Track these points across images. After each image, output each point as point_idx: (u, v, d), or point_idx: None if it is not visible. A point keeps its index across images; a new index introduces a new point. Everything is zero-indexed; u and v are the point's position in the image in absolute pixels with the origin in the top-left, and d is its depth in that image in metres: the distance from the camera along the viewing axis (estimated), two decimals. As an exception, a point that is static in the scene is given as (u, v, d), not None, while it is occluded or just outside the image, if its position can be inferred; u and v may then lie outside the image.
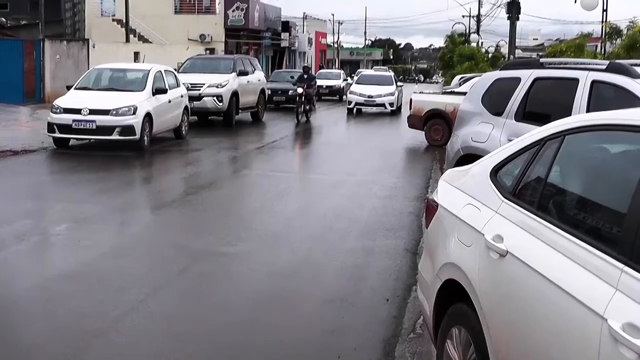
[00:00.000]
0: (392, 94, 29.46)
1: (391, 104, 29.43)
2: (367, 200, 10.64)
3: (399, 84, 31.19)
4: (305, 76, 25.33)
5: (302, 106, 23.98)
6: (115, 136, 14.81)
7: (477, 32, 56.58)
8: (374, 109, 30.38)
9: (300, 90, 23.90)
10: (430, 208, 4.31)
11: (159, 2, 40.42)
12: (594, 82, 7.23)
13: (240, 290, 6.38)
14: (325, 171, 13.86)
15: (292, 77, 33.61)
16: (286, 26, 54.36)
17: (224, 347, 5.11)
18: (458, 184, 4.14)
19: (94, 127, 14.75)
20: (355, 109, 29.61)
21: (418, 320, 5.51)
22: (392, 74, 33.55)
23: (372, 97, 29.11)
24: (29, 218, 8.94)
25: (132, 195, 11.45)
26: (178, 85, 17.99)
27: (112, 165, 13.49)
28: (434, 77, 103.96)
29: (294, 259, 7.39)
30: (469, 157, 7.82)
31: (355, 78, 35.17)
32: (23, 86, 27.15)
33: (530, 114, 7.93)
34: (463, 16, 60.92)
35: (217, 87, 20.65)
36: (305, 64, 26.94)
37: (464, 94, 12.39)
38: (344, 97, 39.01)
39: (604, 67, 7.44)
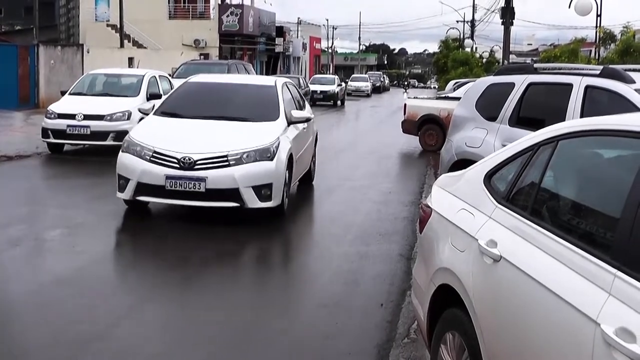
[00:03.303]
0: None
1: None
2: (361, 205, 10.64)
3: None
4: None
5: None
6: (109, 142, 14.75)
7: (472, 37, 56.75)
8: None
9: None
10: (424, 213, 4.31)
11: (153, 7, 40.46)
12: (587, 88, 7.25)
13: (236, 294, 6.37)
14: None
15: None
16: (280, 31, 54.46)
17: (218, 351, 5.10)
18: (452, 189, 4.14)
19: (88, 132, 14.72)
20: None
21: (412, 325, 5.51)
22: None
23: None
24: (23, 223, 8.92)
25: (126, 200, 11.40)
26: (172, 91, 17.96)
27: (106, 171, 13.40)
28: (428, 82, 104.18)
29: (289, 263, 7.39)
30: (463, 162, 7.83)
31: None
32: (17, 91, 27.10)
33: (524, 119, 7.95)
34: (457, 21, 61.20)
35: None
36: None
37: (458, 99, 12.41)
38: (338, 102, 39.08)
39: (598, 72, 7.47)
